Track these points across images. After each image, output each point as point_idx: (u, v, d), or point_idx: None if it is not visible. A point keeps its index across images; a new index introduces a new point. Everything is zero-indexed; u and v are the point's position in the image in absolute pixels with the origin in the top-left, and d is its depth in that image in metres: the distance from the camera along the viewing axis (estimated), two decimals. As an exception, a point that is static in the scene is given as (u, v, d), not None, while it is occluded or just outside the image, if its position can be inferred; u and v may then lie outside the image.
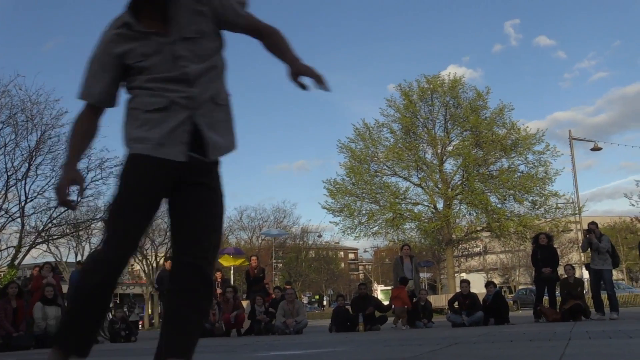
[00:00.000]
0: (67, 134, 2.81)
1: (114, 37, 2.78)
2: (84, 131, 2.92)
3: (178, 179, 2.79)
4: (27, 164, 24.25)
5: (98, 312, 2.81)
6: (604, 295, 13.05)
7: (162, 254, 37.43)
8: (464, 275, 42.77)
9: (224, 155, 2.91)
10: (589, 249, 13.04)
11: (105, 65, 2.80)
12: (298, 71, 2.86)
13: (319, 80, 2.86)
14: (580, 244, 14.43)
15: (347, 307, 15.04)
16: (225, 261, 24.34)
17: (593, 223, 13.33)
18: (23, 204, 24.52)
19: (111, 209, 2.82)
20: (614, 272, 13.56)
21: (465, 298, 13.52)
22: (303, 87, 2.88)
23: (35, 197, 24.99)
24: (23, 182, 24.34)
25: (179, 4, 2.78)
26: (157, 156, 2.73)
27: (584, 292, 14.04)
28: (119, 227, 2.77)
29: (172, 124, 2.74)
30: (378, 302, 15.21)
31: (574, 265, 14.58)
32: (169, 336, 2.76)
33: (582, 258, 27.42)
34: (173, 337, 2.74)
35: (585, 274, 14.34)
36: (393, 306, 14.18)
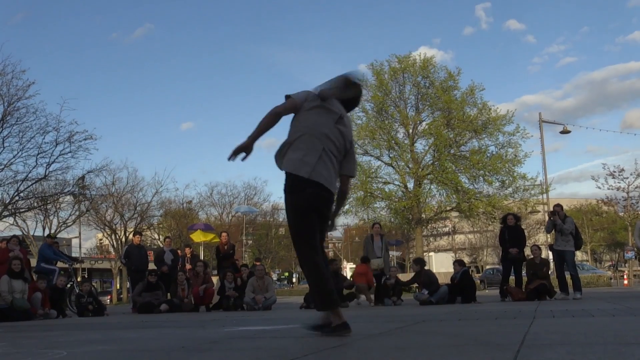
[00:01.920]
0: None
1: None
2: None
3: None
4: (-7, 136, 23.80)
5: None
6: (568, 276, 13.29)
7: (131, 229, 37.16)
8: (432, 254, 43.15)
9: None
10: (553, 230, 13.27)
11: None
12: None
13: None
14: (545, 225, 14.64)
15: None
16: (196, 237, 24.28)
17: (558, 205, 13.55)
18: (-11, 176, 24.11)
19: None
20: (579, 253, 13.82)
21: (419, 276, 13.80)
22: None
23: (2, 169, 24.59)
24: (-11, 154, 23.90)
25: None
26: None
27: (550, 272, 14.28)
28: None
29: None
30: (341, 279, 15.29)
31: (540, 246, 14.79)
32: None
33: (549, 239, 27.87)
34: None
35: (551, 255, 14.57)
36: (355, 283, 14.34)
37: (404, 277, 32.91)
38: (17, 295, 12.05)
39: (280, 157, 4.68)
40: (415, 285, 14.54)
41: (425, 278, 13.59)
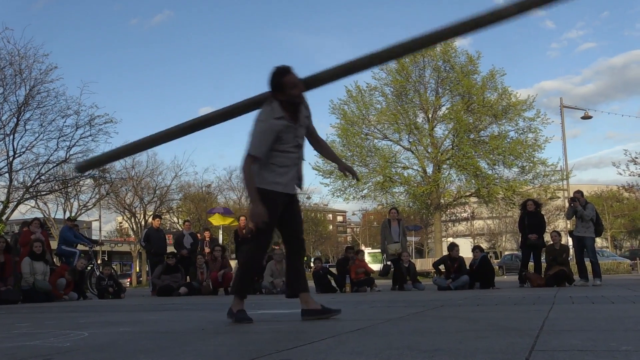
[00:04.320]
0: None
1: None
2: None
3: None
4: (15, 119, 23.99)
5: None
6: (587, 262, 13.21)
7: (151, 212, 37.40)
8: (450, 240, 43.04)
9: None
10: (574, 216, 13.18)
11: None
12: (346, 167, 5.67)
13: (354, 174, 5.79)
14: (566, 212, 14.52)
15: (331, 268, 15.09)
16: (214, 220, 24.39)
17: (578, 191, 13.43)
18: (11, 159, 24.31)
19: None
20: (599, 240, 13.70)
21: (453, 261, 13.61)
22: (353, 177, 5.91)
23: (24, 152, 24.80)
24: (11, 137, 24.08)
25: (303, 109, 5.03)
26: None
27: (569, 258, 14.21)
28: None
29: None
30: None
31: (560, 232, 14.71)
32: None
33: (568, 225, 27.67)
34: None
35: (571, 241, 14.47)
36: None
37: (422, 262, 32.99)
38: (39, 276, 12.21)
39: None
40: (440, 269, 14.40)
41: (459, 264, 13.52)
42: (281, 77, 4.88)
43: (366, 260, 19.88)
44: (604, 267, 22.10)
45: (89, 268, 15.04)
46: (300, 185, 5.16)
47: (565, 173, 34.62)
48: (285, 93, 4.86)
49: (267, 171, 4.87)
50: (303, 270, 5.29)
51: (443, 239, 40.46)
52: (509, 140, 34.43)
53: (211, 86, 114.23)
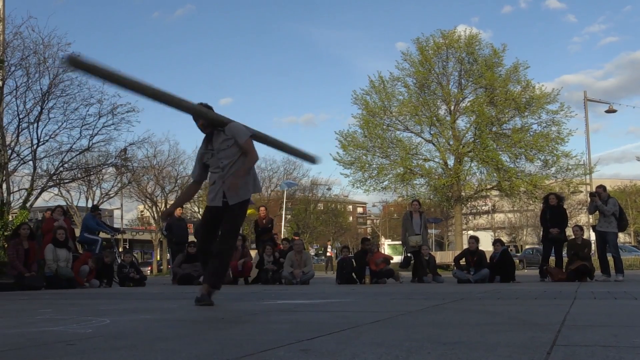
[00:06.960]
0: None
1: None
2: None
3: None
4: (39, 107, 24.16)
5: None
6: (610, 258, 13.08)
7: (172, 201, 37.61)
8: (471, 233, 42.83)
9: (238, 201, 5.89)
10: (597, 211, 13.05)
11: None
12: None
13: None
14: (587, 206, 14.38)
15: (353, 259, 15.06)
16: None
17: (600, 186, 13.29)
18: (35, 147, 24.51)
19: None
20: (622, 235, 13.55)
21: (472, 255, 13.54)
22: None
23: (47, 140, 24.97)
24: (35, 125, 24.28)
25: (216, 137, 5.96)
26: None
27: (591, 253, 14.08)
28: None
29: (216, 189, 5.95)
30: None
31: (582, 226, 14.56)
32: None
33: (591, 220, 27.38)
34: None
35: (593, 236, 14.34)
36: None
37: (443, 255, 32.88)
38: (62, 263, 12.34)
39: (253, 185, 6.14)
40: (462, 262, 14.29)
41: (478, 257, 13.46)
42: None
43: (387, 252, 19.82)
44: (626, 263, 21.90)
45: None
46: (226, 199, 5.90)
47: (588, 167, 34.27)
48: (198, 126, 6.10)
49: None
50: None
51: (463, 231, 40.30)
52: (531, 133, 34.14)
53: (232, 76, 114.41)
